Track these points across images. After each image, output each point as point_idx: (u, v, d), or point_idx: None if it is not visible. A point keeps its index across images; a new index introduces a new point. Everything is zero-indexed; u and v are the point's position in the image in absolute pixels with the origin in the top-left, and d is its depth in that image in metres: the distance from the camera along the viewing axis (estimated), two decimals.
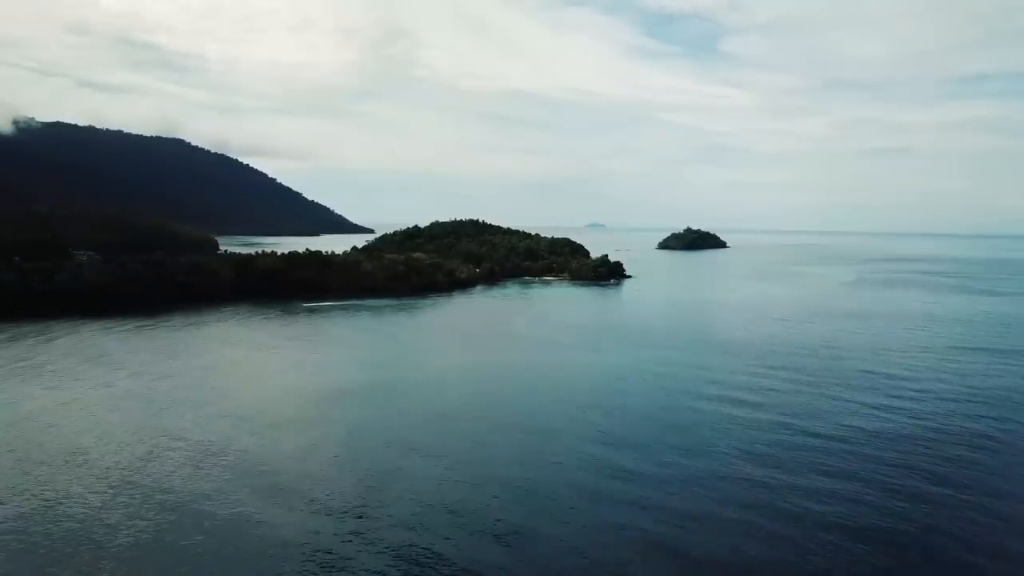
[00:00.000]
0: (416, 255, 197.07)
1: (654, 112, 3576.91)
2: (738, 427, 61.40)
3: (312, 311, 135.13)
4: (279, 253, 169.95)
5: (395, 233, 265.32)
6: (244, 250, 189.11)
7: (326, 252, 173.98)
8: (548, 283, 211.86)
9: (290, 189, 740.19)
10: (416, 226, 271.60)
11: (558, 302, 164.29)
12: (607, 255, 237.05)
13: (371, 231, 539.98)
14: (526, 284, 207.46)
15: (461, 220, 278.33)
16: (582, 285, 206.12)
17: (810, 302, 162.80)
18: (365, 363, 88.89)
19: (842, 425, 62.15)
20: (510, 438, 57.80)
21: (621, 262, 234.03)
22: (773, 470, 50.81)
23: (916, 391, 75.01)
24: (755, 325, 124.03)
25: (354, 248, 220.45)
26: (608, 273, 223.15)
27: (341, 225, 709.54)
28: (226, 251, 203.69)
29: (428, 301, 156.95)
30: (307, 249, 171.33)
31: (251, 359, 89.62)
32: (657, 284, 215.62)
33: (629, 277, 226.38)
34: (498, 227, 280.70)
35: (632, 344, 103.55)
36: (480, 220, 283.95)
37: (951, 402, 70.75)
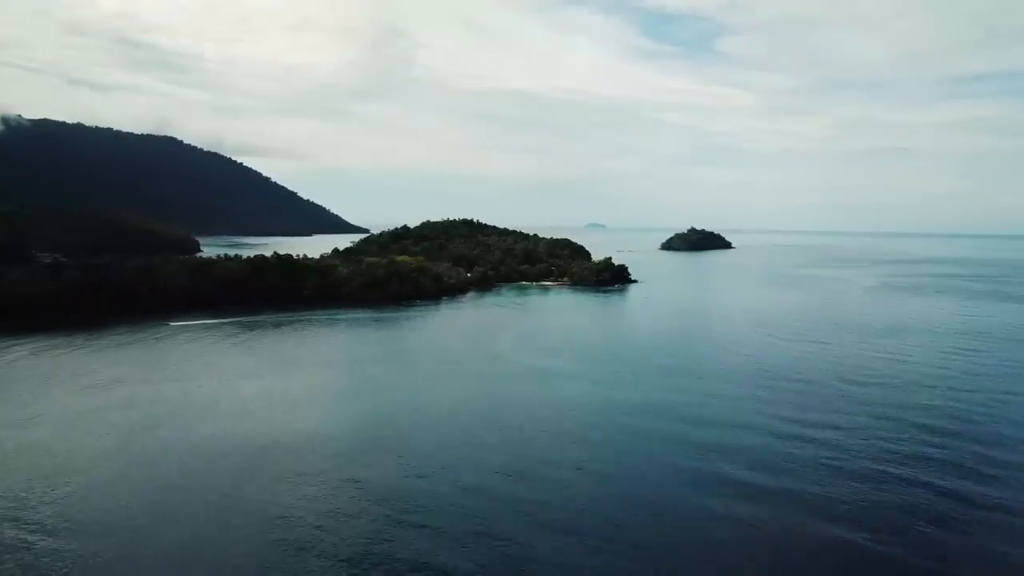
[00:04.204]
0: (401, 258, 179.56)
1: (653, 112, 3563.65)
2: (771, 523, 44.24)
3: (278, 325, 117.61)
4: (244, 257, 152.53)
5: (381, 234, 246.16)
6: (228, 251, 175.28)
7: (297, 255, 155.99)
8: (546, 289, 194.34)
9: (285, 188, 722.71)
10: (405, 226, 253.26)
11: (556, 314, 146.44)
12: (610, 257, 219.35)
13: (367, 231, 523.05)
14: (522, 290, 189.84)
15: (453, 220, 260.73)
16: (583, 291, 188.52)
17: (837, 314, 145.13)
18: (307, 403, 71.78)
19: (905, 514, 45.04)
20: (464, 541, 40.63)
21: (625, 265, 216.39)
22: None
23: (987, 443, 57.76)
24: (783, 347, 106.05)
25: (335, 251, 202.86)
26: (611, 278, 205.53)
27: (338, 225, 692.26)
28: (185, 255, 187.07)
29: (410, 312, 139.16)
30: (275, 253, 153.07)
31: (175, 396, 72.35)
32: (666, 291, 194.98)
33: (634, 282, 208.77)
34: (493, 227, 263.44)
35: (639, 374, 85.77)
36: (474, 220, 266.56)
37: None
